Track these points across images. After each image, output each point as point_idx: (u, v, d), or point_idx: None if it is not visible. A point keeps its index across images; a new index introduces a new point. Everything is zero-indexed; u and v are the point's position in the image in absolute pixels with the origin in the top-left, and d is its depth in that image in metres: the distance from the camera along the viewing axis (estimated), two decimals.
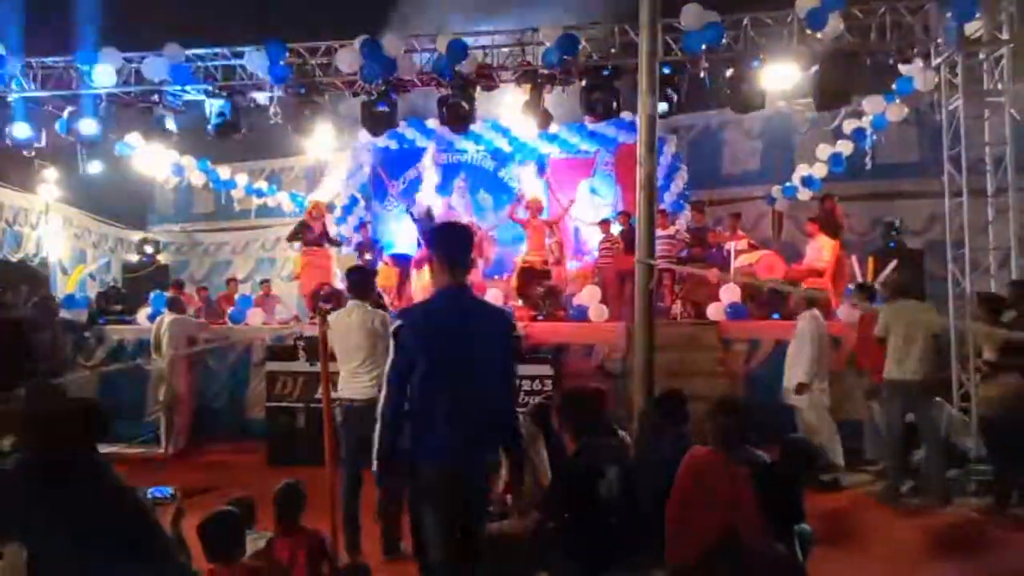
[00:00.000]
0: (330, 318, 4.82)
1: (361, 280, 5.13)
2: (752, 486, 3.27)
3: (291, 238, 10.67)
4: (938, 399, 6.52)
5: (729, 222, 10.43)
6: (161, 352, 8.53)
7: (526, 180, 12.29)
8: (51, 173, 11.29)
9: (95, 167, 10.56)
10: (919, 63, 8.25)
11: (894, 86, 9.10)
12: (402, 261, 11.03)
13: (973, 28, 7.59)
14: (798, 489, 3.72)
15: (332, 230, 11.24)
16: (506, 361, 3.10)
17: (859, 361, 7.12)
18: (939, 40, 7.87)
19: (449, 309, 2.99)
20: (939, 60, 7.96)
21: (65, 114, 9.41)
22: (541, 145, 12.53)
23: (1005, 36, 7.50)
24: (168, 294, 9.57)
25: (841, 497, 6.29)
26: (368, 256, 10.97)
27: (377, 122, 9.13)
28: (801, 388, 6.61)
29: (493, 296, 9.24)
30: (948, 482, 6.16)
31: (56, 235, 11.63)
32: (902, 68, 8.62)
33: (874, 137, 10.25)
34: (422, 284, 10.71)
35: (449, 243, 3.10)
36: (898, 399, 6.11)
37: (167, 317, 8.70)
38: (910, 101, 9.40)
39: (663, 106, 8.01)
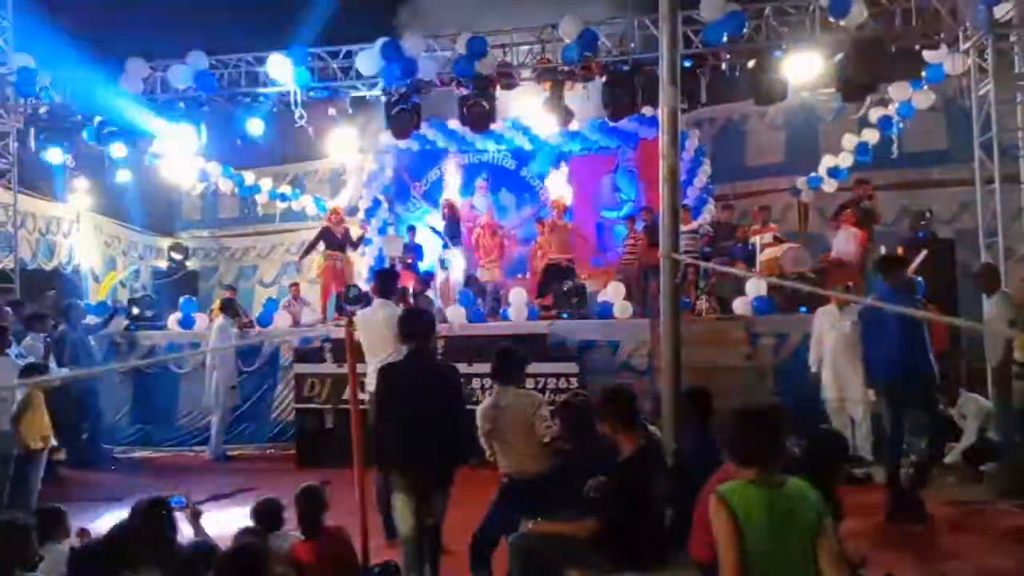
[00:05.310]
0: (357, 316, 5.05)
1: (385, 280, 5.55)
2: None
3: (313, 244, 10.64)
4: (972, 393, 6.38)
5: (758, 215, 10.31)
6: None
7: (552, 181, 12.21)
8: (81, 182, 11.49)
9: (124, 175, 10.75)
10: (946, 48, 8.08)
11: (922, 72, 8.92)
12: (426, 277, 10.95)
13: (1003, 11, 7.42)
14: (829, 483, 3.65)
15: (355, 233, 11.25)
16: None
17: None
18: (967, 24, 7.70)
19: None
20: (968, 44, 7.79)
21: (95, 123, 9.60)
22: (562, 143, 12.48)
23: None
24: (225, 296, 9.82)
25: (874, 492, 6.18)
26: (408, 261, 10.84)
27: (402, 125, 9.16)
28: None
29: (515, 295, 9.23)
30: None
31: (87, 243, 11.82)
32: (928, 54, 8.45)
33: (901, 125, 10.06)
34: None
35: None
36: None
37: (216, 320, 8.95)
38: (937, 87, 9.20)
39: (685, 97, 7.94)
